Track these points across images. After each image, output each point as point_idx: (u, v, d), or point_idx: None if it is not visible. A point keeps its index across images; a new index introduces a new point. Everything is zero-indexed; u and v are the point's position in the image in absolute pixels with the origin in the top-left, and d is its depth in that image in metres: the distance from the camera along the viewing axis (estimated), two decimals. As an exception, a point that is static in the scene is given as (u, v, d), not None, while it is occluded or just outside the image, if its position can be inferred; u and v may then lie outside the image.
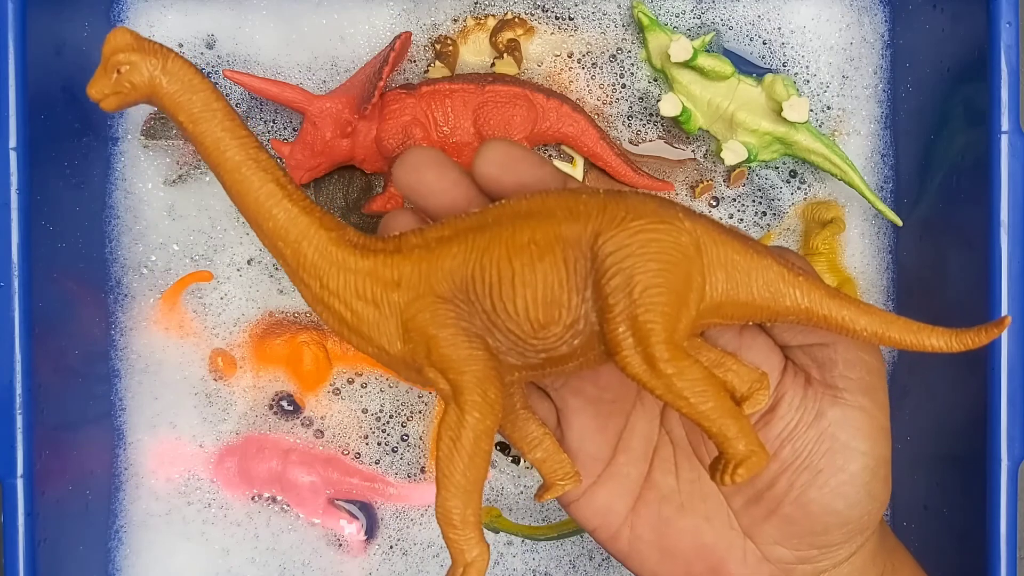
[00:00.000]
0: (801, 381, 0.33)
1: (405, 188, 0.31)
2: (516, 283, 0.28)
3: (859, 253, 0.50)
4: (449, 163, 0.31)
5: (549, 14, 0.49)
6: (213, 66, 0.49)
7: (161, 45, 0.28)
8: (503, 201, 0.29)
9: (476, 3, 0.49)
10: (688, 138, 0.49)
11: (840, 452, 0.32)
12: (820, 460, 0.32)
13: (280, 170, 0.29)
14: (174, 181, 0.49)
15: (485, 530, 0.49)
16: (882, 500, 0.33)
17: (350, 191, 0.48)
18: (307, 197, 0.30)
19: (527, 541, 0.49)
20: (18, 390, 0.41)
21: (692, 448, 0.35)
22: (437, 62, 0.48)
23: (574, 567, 0.50)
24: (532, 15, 0.49)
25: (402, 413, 0.49)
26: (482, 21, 0.49)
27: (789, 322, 0.30)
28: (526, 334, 0.28)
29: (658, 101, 0.48)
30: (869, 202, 0.48)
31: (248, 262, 0.49)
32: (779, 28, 0.49)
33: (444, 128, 0.46)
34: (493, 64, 0.49)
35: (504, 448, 0.49)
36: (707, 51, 0.47)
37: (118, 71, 0.28)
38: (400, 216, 0.32)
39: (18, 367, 0.41)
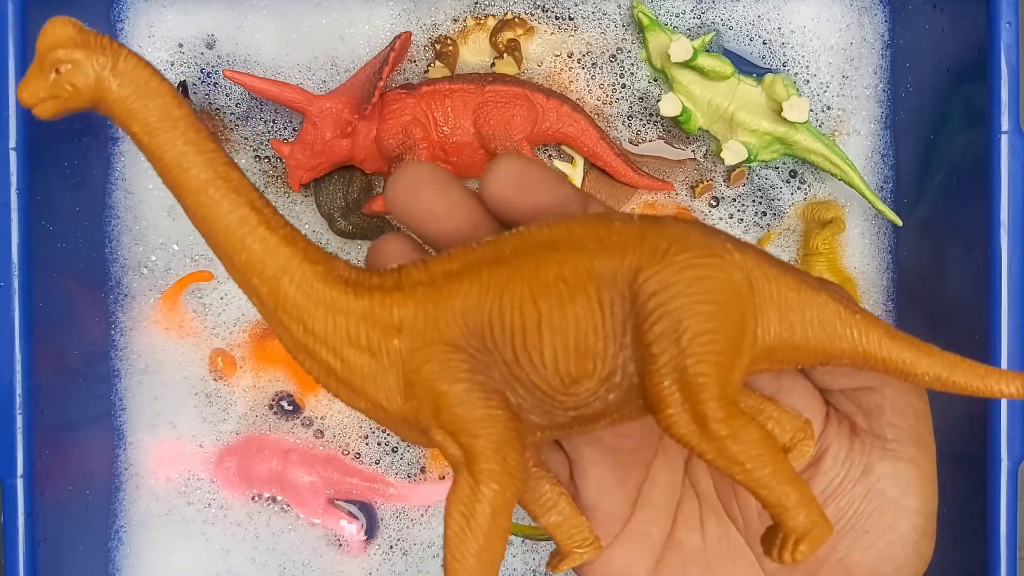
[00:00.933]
0: (846, 430, 0.29)
1: (400, 210, 0.26)
2: (543, 329, 0.24)
3: (859, 253, 0.50)
4: (451, 181, 0.26)
5: (549, 14, 0.49)
6: (213, 66, 0.49)
7: (111, 39, 0.24)
8: (521, 228, 0.25)
9: (476, 3, 0.49)
10: (688, 138, 0.49)
11: (889, 510, 0.29)
12: (867, 520, 0.29)
13: (255, 191, 0.24)
14: (174, 181, 0.49)
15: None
16: (928, 556, 0.30)
17: (350, 191, 0.48)
18: (288, 223, 0.25)
19: (527, 541, 0.49)
20: (18, 390, 0.41)
21: (721, 503, 0.31)
22: (437, 62, 0.48)
23: (574, 567, 0.50)
24: (532, 15, 0.49)
25: (402, 413, 0.49)
26: (482, 21, 0.49)
27: (843, 365, 0.27)
28: (554, 389, 0.24)
29: (658, 101, 0.48)
30: (869, 202, 0.48)
31: (248, 262, 0.49)
32: (779, 28, 0.49)
33: (444, 128, 0.46)
34: (493, 64, 0.49)
35: None
36: (707, 51, 0.47)
37: (57, 71, 0.23)
38: (392, 242, 0.27)
39: (18, 367, 0.41)
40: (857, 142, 0.49)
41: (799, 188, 0.49)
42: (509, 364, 0.24)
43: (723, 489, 0.31)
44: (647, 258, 0.24)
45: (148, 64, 0.24)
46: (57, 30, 0.23)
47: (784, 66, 0.49)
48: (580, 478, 0.30)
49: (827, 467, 0.29)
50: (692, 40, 0.47)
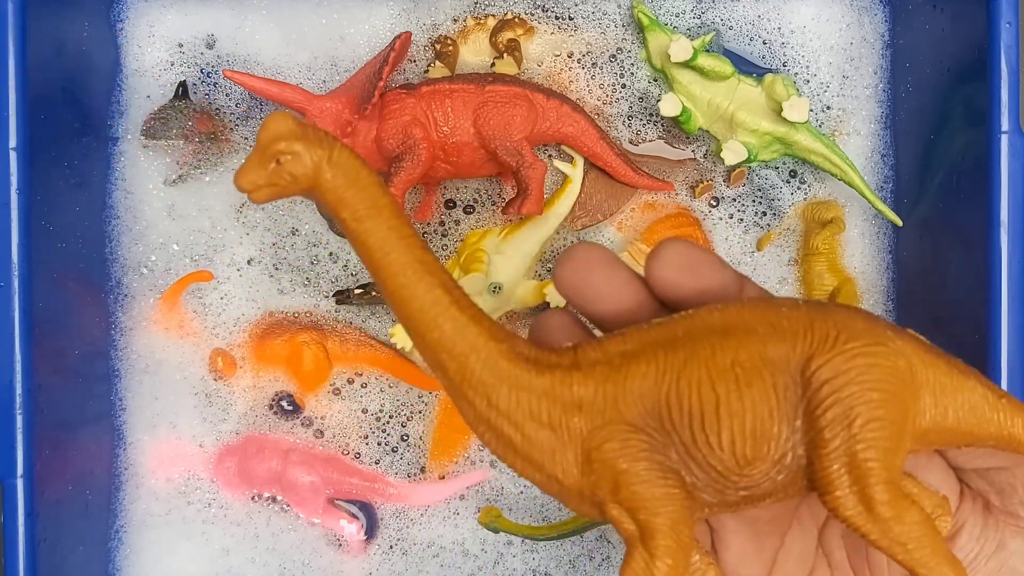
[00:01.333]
0: (980, 508, 0.30)
1: (569, 290, 0.28)
2: (721, 412, 0.25)
3: (859, 253, 0.50)
4: (617, 262, 0.28)
5: (549, 14, 0.49)
6: (213, 66, 0.49)
7: (326, 133, 0.25)
8: (691, 312, 0.26)
9: (476, 3, 0.49)
10: (688, 138, 0.49)
11: None
12: None
13: (446, 273, 0.26)
14: (174, 181, 0.49)
15: (485, 531, 0.49)
16: None
17: (350, 191, 0.48)
18: (474, 304, 0.27)
19: (527, 541, 0.49)
20: (18, 390, 0.41)
21: (853, 572, 0.32)
22: (437, 62, 0.48)
23: (574, 567, 0.50)
24: (532, 15, 0.49)
25: (402, 413, 0.49)
26: (482, 21, 0.49)
27: (986, 447, 0.28)
28: (729, 470, 0.25)
29: (658, 101, 0.48)
30: (869, 202, 0.48)
31: (248, 262, 0.49)
32: (779, 28, 0.49)
33: (444, 128, 0.46)
34: (493, 64, 0.49)
35: None
36: (707, 51, 0.47)
37: (277, 161, 0.25)
38: (557, 318, 0.29)
39: (18, 367, 0.41)
40: (857, 142, 0.49)
41: (799, 188, 0.49)
42: (687, 445, 0.25)
43: (857, 559, 0.32)
44: (818, 345, 0.25)
45: (357, 156, 0.26)
46: (278, 123, 0.25)
47: (784, 66, 0.49)
48: (721, 546, 0.31)
49: (963, 542, 0.30)
50: (692, 40, 0.47)
